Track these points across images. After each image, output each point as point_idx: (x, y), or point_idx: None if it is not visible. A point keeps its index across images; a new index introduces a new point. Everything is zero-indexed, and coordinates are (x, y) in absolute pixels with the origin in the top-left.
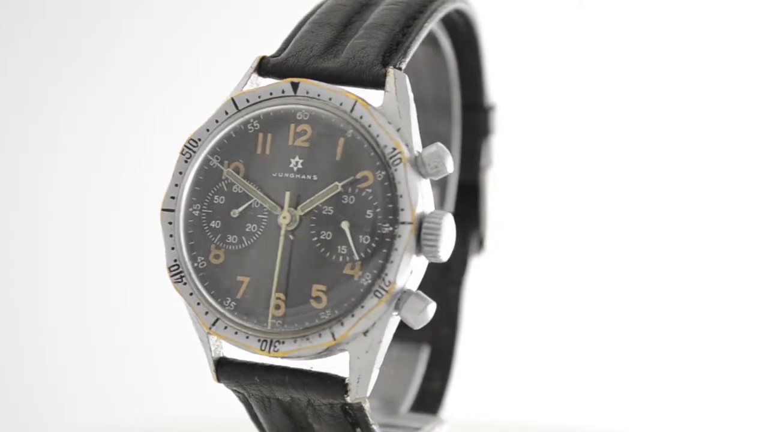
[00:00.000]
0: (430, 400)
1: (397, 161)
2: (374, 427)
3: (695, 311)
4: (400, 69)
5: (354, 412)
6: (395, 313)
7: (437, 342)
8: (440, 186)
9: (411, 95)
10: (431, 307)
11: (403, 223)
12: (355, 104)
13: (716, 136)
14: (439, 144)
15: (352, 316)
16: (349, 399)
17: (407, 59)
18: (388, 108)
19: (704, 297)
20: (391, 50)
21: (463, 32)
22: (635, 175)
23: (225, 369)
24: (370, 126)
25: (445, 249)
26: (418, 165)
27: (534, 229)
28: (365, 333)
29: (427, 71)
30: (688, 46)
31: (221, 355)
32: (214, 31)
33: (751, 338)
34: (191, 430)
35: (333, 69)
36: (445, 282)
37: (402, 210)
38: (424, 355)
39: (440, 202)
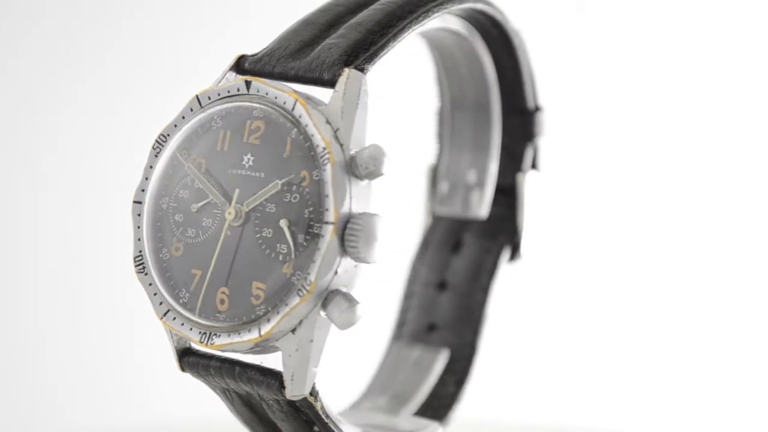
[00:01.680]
0: (440, 404)
1: (326, 161)
2: (332, 426)
3: (696, 312)
4: (361, 70)
5: (305, 410)
6: (323, 312)
7: (458, 347)
8: (480, 188)
9: (364, 96)
10: (357, 308)
11: (326, 223)
12: (295, 103)
13: None
14: (376, 145)
15: (278, 313)
16: (286, 396)
17: (376, 60)
18: (331, 107)
19: (705, 298)
20: (360, 51)
21: (494, 35)
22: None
23: (189, 359)
24: (307, 126)
25: (370, 251)
26: (352, 166)
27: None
28: (293, 331)
29: (467, 73)
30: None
31: (187, 346)
32: (216, 28)
33: (751, 339)
34: (191, 430)
35: (298, 68)
36: (474, 288)
37: (327, 210)
38: (442, 358)
39: (478, 205)
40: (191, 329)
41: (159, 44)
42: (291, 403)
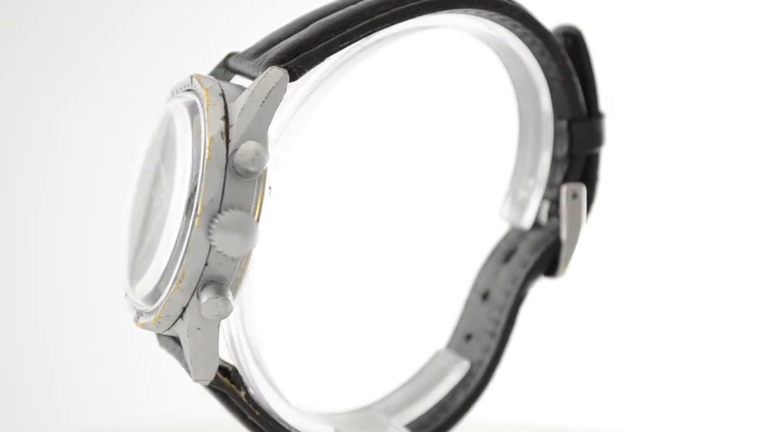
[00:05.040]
0: (443, 416)
1: (205, 156)
2: (264, 418)
3: (696, 312)
4: (289, 69)
5: (232, 398)
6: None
7: (478, 361)
8: (523, 199)
9: (276, 95)
10: (225, 302)
11: (196, 215)
12: (204, 100)
13: None
14: (252, 143)
15: (164, 299)
16: (191, 379)
17: (316, 60)
18: (236, 104)
19: (705, 298)
20: (301, 50)
21: (530, 38)
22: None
23: (160, 337)
24: (204, 122)
25: (228, 246)
26: (233, 163)
27: None
28: (182, 317)
29: (523, 78)
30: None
31: None
32: (229, 26)
33: (751, 338)
34: (191, 430)
35: (249, 66)
36: (505, 301)
37: (198, 203)
38: (461, 370)
39: (519, 216)
40: (133, 308)
41: (168, 40)
42: (214, 389)
